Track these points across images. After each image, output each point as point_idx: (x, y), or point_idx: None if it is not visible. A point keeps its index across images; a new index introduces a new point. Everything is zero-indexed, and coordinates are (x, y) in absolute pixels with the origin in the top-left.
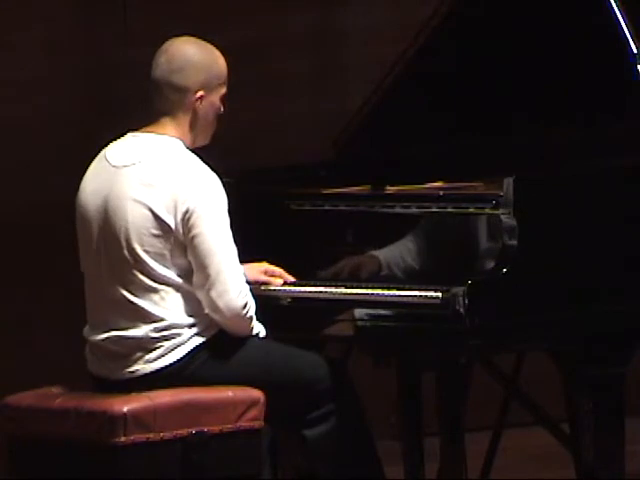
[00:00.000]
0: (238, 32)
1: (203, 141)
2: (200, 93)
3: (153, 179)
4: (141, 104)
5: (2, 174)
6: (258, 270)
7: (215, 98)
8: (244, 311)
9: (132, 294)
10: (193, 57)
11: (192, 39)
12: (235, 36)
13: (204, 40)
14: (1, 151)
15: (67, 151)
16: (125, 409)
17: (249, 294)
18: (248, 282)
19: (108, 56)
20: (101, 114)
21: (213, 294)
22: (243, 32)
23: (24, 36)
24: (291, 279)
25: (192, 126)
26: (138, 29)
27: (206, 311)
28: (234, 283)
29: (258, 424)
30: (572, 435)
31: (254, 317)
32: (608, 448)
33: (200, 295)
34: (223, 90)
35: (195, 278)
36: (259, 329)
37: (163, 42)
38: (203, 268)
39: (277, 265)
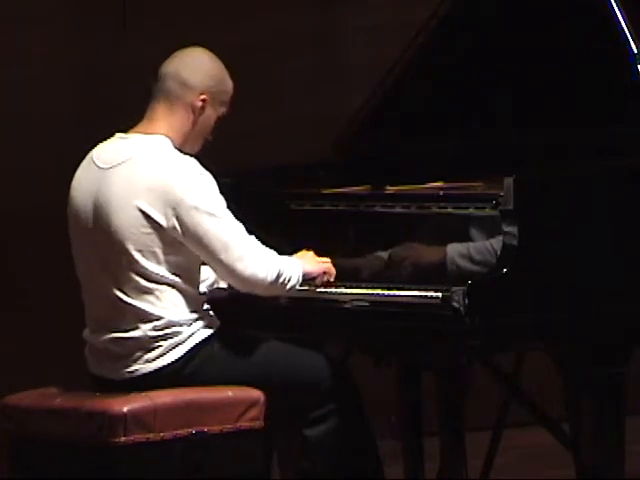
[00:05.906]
0: (238, 32)
1: (190, 149)
2: (204, 97)
3: (139, 178)
4: (140, 104)
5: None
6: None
7: (214, 112)
8: (270, 278)
9: (128, 296)
10: (208, 63)
11: (208, 51)
12: (235, 36)
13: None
14: None
15: (66, 151)
16: (125, 409)
17: (265, 260)
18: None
19: (107, 56)
20: (100, 114)
21: (235, 278)
22: (243, 32)
23: (24, 36)
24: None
25: (186, 126)
26: (138, 29)
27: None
28: (250, 262)
29: (258, 424)
30: (572, 435)
31: (281, 272)
32: (608, 448)
33: (226, 282)
34: (223, 110)
35: (213, 269)
36: (294, 277)
37: (163, 42)
38: (214, 256)
39: None
